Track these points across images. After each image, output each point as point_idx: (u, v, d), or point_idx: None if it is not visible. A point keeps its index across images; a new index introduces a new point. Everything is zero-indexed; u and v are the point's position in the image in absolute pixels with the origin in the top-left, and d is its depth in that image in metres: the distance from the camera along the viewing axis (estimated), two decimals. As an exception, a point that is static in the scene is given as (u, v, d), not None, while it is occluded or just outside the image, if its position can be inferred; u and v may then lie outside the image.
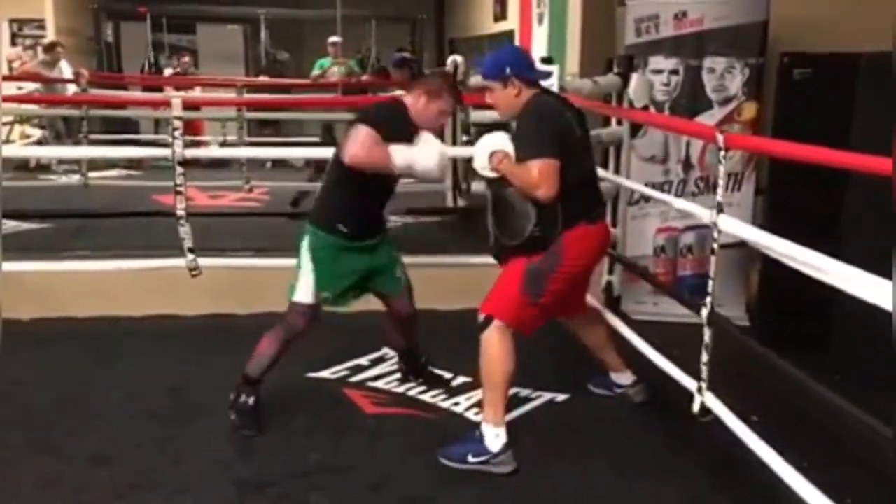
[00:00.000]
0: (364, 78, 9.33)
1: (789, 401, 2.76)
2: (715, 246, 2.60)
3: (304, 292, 2.94)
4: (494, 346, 2.72)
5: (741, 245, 3.92)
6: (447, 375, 3.48)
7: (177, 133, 3.46)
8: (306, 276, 2.94)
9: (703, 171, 4.34)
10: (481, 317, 2.77)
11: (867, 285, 1.84)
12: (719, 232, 2.57)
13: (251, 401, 2.98)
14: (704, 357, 2.60)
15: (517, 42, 9.07)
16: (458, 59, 8.29)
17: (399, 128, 2.82)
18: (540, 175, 2.59)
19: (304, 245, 2.95)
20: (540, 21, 8.37)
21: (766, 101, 4.18)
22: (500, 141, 2.75)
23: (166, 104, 3.61)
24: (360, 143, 2.70)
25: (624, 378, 3.27)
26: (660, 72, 4.31)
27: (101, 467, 2.70)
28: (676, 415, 3.05)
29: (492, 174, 2.76)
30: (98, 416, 3.09)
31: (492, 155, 2.73)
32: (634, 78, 3.85)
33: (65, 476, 2.64)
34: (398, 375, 3.47)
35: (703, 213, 2.71)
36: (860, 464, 2.43)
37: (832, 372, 3.16)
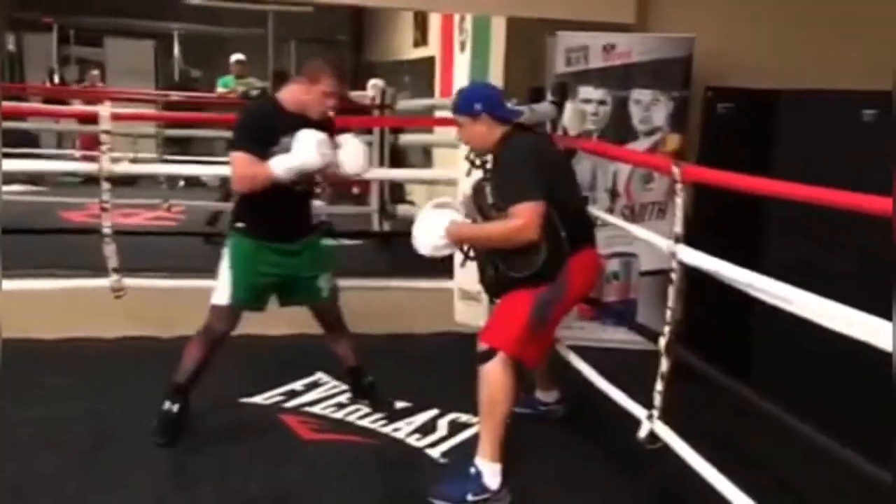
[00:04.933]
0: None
1: (741, 427, 2.82)
2: (674, 276, 2.63)
3: (221, 293, 2.96)
4: (498, 380, 2.63)
5: (662, 273, 4.05)
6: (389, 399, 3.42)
7: (104, 147, 3.31)
8: (223, 278, 2.96)
9: (628, 200, 4.45)
10: (482, 347, 2.67)
11: (852, 321, 1.85)
12: (679, 263, 2.59)
13: (175, 408, 2.99)
14: (659, 386, 2.62)
15: (438, 68, 9.17)
16: (380, 82, 8.31)
17: (272, 128, 2.82)
18: (529, 218, 2.51)
19: (224, 249, 2.99)
20: (462, 48, 8.47)
21: (689, 133, 4.33)
22: (445, 215, 2.73)
23: (95, 117, 3.43)
24: (238, 174, 2.81)
25: (549, 396, 3.32)
26: (588, 101, 4.41)
27: (19, 501, 2.52)
28: (618, 440, 3.11)
29: (448, 252, 2.75)
30: (12, 445, 2.87)
31: (447, 233, 2.69)
32: (569, 106, 3.93)
33: (-21, 512, 2.46)
34: (334, 400, 3.40)
35: (662, 244, 2.74)
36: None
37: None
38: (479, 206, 2.77)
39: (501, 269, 2.72)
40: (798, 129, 3.50)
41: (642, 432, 2.65)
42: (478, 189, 2.81)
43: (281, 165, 2.76)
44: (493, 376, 2.63)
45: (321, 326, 3.27)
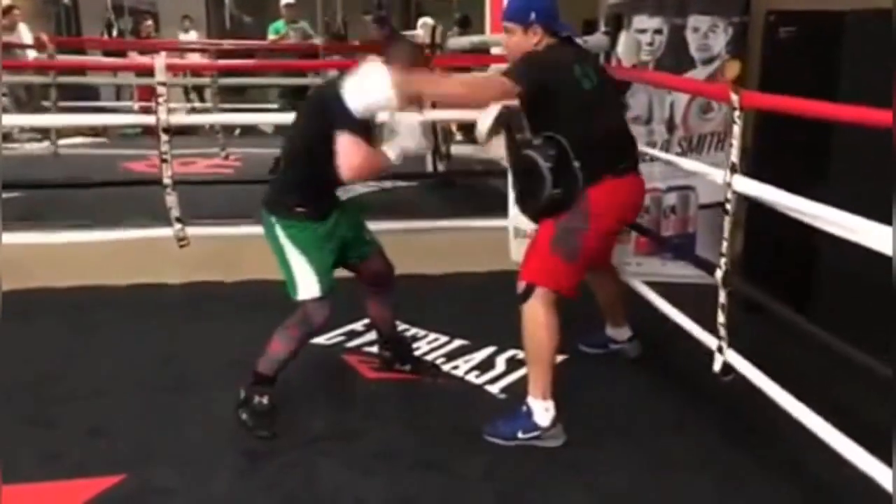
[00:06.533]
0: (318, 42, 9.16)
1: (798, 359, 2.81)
2: (728, 206, 2.58)
3: (308, 287, 2.67)
4: (539, 316, 2.62)
5: (720, 205, 3.97)
6: (443, 338, 3.48)
7: (161, 99, 3.36)
8: (302, 269, 2.67)
9: (686, 132, 4.36)
10: (521, 285, 2.67)
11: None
12: (734, 192, 2.54)
13: (265, 400, 2.73)
14: (721, 318, 2.60)
15: (487, 2, 8.97)
16: (429, 20, 8.16)
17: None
18: (499, 83, 2.59)
19: (280, 238, 2.69)
20: (512, -19, 8.30)
21: (749, 60, 4.19)
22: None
23: (150, 68, 3.48)
24: (353, 163, 2.50)
25: (621, 333, 3.29)
26: (643, 31, 4.29)
27: (102, 439, 2.66)
28: (679, 373, 3.12)
29: (484, 137, 2.73)
30: (90, 388, 3.03)
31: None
32: (623, 37, 3.83)
33: (65, 449, 2.60)
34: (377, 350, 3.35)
35: (717, 174, 2.69)
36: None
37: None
38: (510, 130, 2.78)
39: (522, 197, 2.76)
40: (866, 51, 3.34)
41: (716, 365, 2.64)
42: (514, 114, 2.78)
43: (395, 151, 2.61)
44: (532, 313, 2.63)
45: (370, 283, 3.03)
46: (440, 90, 2.73)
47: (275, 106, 8.25)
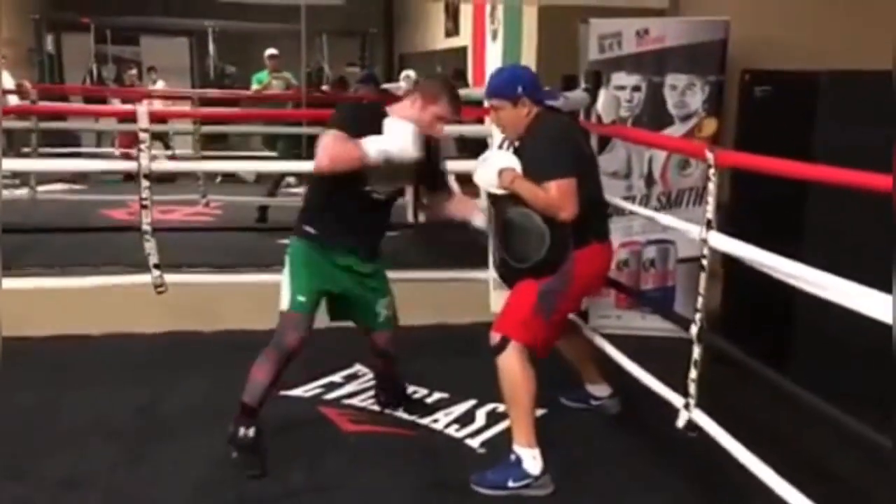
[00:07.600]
0: (324, 90, 9.27)
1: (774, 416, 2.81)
2: (704, 262, 2.60)
3: (284, 299, 2.78)
4: (515, 368, 2.65)
5: (699, 259, 4.01)
6: (423, 391, 3.45)
7: (143, 146, 3.37)
8: (285, 283, 2.80)
9: (665, 187, 4.42)
10: (495, 338, 2.70)
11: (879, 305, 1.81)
12: (709, 249, 2.56)
13: (251, 433, 2.74)
14: (693, 374, 2.60)
15: (470, 58, 9.16)
16: (412, 73, 8.27)
17: (370, 129, 2.63)
18: (561, 196, 2.54)
19: (287, 254, 2.84)
20: (494, 37, 8.46)
21: (725, 118, 4.28)
22: (507, 158, 2.69)
23: (132, 115, 3.48)
24: (322, 148, 2.58)
25: (601, 390, 3.29)
26: (622, 88, 4.38)
27: (73, 492, 2.60)
28: (653, 428, 3.10)
29: (498, 191, 2.67)
30: (65, 438, 2.97)
31: (501, 172, 2.64)
32: (602, 93, 3.90)
33: (35, 502, 2.53)
34: (373, 392, 3.42)
35: (693, 230, 2.72)
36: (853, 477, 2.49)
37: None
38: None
39: (506, 258, 2.75)
40: (839, 111, 3.43)
41: (680, 421, 2.64)
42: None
43: (374, 146, 2.55)
44: (509, 365, 2.66)
45: (372, 350, 3.16)
46: (527, 194, 2.62)
47: (257, 154, 8.30)
